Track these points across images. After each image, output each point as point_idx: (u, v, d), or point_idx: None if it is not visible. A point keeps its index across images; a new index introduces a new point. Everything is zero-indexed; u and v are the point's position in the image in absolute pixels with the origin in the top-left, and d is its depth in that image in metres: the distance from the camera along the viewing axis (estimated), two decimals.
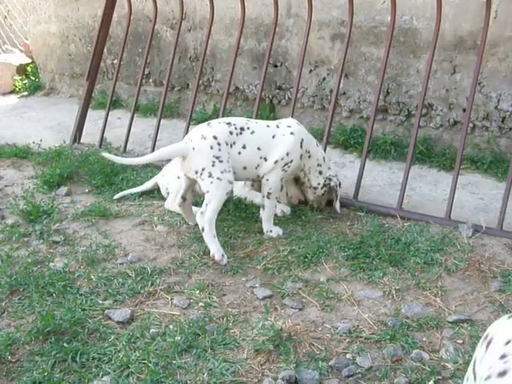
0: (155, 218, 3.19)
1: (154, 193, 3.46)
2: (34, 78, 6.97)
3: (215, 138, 2.84)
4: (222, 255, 2.71)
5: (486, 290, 2.45)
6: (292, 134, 3.02)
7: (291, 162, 2.99)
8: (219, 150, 2.83)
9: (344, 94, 4.42)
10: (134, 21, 5.29)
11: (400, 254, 2.71)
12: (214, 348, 2.08)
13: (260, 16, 4.67)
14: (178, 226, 3.09)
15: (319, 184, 3.15)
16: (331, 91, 4.19)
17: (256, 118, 3.55)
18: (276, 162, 2.96)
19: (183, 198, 3.00)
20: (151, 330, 2.17)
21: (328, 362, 2.00)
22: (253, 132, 2.96)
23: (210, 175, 2.79)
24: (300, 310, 2.33)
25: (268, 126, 3.04)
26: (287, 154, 2.97)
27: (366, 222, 3.11)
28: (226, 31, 4.93)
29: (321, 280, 2.54)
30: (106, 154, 3.10)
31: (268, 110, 4.78)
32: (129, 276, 2.57)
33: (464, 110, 3.83)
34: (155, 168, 3.78)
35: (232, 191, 2.91)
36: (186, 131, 4.02)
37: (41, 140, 4.38)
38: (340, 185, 3.19)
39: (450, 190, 3.15)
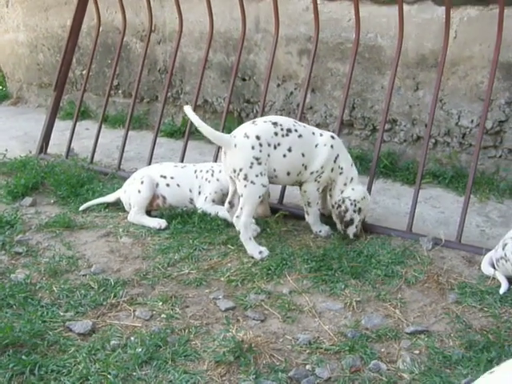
0: (120, 230, 3.18)
1: (120, 205, 3.44)
2: (1, 87, 6.89)
3: (258, 137, 2.83)
4: (260, 252, 2.82)
5: (443, 301, 2.51)
6: (332, 147, 3.00)
7: (322, 173, 3.01)
8: (260, 151, 2.82)
9: (311, 108, 4.49)
10: (104, 32, 5.29)
11: (362, 267, 2.76)
12: (175, 360, 2.08)
13: (229, 30, 4.73)
14: (142, 238, 3.09)
15: (335, 203, 3.08)
16: (298, 105, 4.25)
17: (223, 131, 3.57)
18: (312, 173, 2.99)
19: (230, 203, 3.00)
20: (112, 342, 2.16)
21: (287, 373, 2.02)
22: (300, 136, 2.94)
23: (246, 178, 2.80)
24: (262, 321, 2.35)
25: (313, 134, 3.02)
26: (321, 167, 2.99)
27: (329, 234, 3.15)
28: (196, 44, 4.97)
29: (283, 292, 2.57)
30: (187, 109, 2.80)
31: (236, 123, 4.81)
32: (91, 287, 2.56)
33: (426, 126, 3.93)
34: (122, 179, 3.77)
35: (265, 193, 2.95)
36: (154, 143, 4.03)
37: (6, 150, 4.32)
38: (358, 211, 3.02)
39: (412, 203, 3.22)
